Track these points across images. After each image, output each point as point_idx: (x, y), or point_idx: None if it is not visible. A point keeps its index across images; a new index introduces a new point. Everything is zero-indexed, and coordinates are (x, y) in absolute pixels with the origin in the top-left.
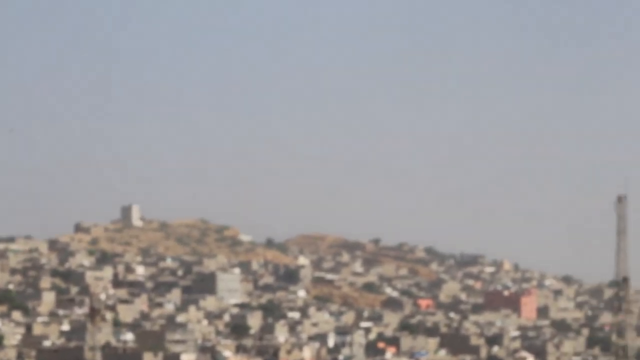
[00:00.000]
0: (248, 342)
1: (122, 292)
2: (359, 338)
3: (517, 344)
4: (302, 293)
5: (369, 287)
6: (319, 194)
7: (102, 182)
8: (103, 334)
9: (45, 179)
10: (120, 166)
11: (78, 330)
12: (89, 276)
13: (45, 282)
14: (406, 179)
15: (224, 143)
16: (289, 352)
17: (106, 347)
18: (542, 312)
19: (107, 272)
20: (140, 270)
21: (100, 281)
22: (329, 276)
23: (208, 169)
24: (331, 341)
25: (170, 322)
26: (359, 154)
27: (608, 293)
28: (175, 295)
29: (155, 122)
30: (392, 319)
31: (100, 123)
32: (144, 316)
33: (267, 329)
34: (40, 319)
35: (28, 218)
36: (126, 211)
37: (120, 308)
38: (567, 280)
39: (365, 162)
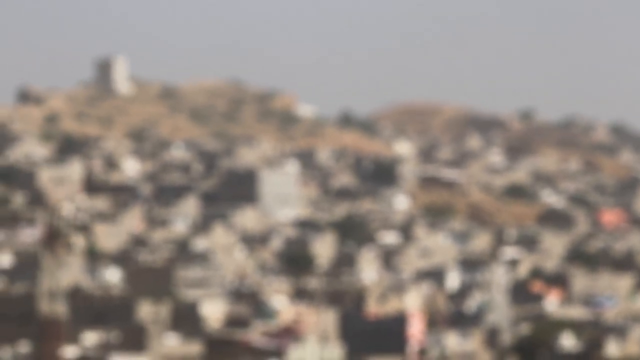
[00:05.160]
0: (312, 282)
1: (101, 203)
2: (499, 275)
3: None
4: (402, 202)
5: (515, 192)
6: (428, 42)
7: (64, 22)
8: (70, 272)
9: None
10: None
11: (26, 266)
12: (45, 176)
13: None
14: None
15: None
16: (380, 299)
17: (76, 293)
18: None
19: (75, 169)
20: (131, 166)
21: (62, 184)
22: (448, 174)
23: (241, 2)
24: (453, 280)
25: (182, 251)
26: None
27: None
28: (190, 206)
29: None
30: (555, 244)
31: None
32: (138, 241)
33: (344, 261)
34: None
35: None
36: (104, 68)
37: (99, 229)
38: None
39: None
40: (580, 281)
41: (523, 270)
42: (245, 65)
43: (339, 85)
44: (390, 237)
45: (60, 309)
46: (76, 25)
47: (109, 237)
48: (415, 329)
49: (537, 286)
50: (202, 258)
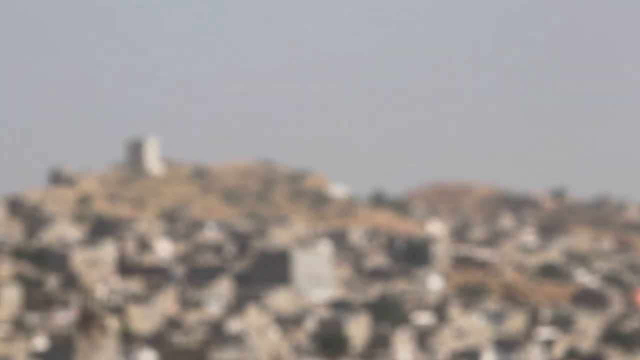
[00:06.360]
0: None
1: (134, 284)
2: (535, 356)
3: None
4: (436, 282)
5: (549, 272)
6: (458, 119)
7: (95, 104)
8: (104, 355)
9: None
10: (125, 79)
11: (61, 349)
12: (78, 258)
13: (3, 268)
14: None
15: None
16: None
17: None
18: None
19: (108, 250)
20: (164, 247)
21: (96, 266)
22: (481, 253)
23: (271, 82)
24: None
25: (216, 332)
26: None
27: None
28: (223, 287)
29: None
30: (590, 324)
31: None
32: (172, 323)
33: (379, 342)
34: None
35: None
36: (135, 149)
37: (132, 311)
38: None
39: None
40: None
41: (558, 350)
42: (276, 144)
43: (370, 165)
44: (424, 318)
45: None
46: (107, 106)
47: (143, 319)
48: None
49: None
50: (236, 340)
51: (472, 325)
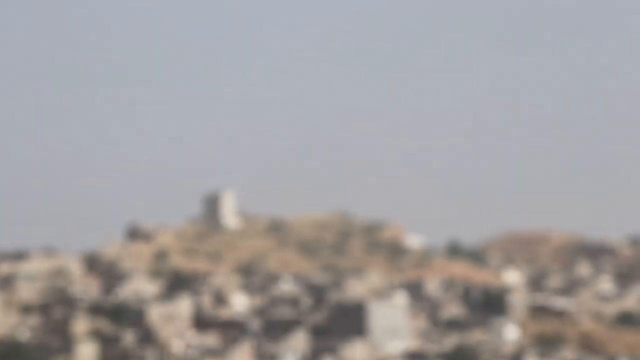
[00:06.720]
0: None
1: (211, 339)
2: None
3: None
4: (512, 332)
5: (627, 320)
6: (534, 171)
7: (170, 159)
8: None
9: (77, 159)
10: (199, 136)
11: None
12: (154, 313)
13: (80, 324)
14: None
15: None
16: None
17: None
18: None
19: (184, 305)
20: (240, 301)
21: (172, 321)
22: (558, 302)
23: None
24: None
25: None
26: None
27: None
28: (299, 340)
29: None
30: None
31: None
32: None
33: None
34: None
35: (50, 220)
36: (212, 203)
37: None
38: None
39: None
40: None
41: None
42: (352, 196)
43: (446, 215)
44: None
45: None
46: (183, 161)
47: None
48: None
49: None
50: None
51: None
